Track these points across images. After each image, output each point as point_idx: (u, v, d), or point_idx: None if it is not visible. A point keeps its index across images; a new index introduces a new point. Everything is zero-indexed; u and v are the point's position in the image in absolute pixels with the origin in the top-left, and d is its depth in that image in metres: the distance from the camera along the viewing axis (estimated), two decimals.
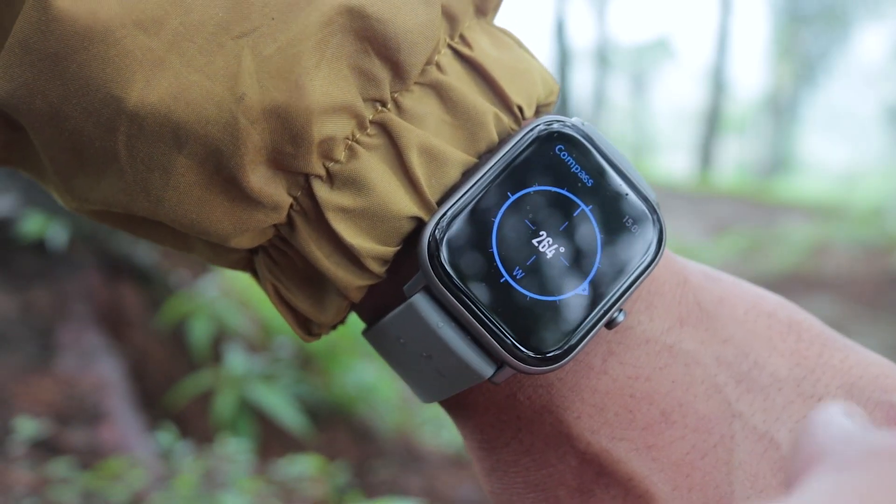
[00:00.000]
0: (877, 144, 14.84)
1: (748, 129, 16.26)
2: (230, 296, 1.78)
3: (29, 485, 1.18)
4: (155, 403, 1.58)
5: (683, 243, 4.81)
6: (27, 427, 1.25)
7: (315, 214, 0.27)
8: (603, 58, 14.78)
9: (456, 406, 0.31)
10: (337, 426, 1.75)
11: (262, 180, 0.26)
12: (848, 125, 16.87)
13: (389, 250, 0.27)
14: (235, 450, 1.38)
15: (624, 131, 16.94)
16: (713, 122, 12.49)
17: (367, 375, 1.82)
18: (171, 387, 1.59)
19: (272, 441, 1.61)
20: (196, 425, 1.58)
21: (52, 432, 1.29)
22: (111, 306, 1.66)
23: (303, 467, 1.43)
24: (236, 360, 1.61)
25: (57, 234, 1.60)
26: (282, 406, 1.57)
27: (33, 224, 1.58)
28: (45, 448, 1.26)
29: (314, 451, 1.57)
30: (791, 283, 3.93)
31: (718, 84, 12.53)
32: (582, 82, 14.91)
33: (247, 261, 0.30)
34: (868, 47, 16.17)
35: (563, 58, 11.50)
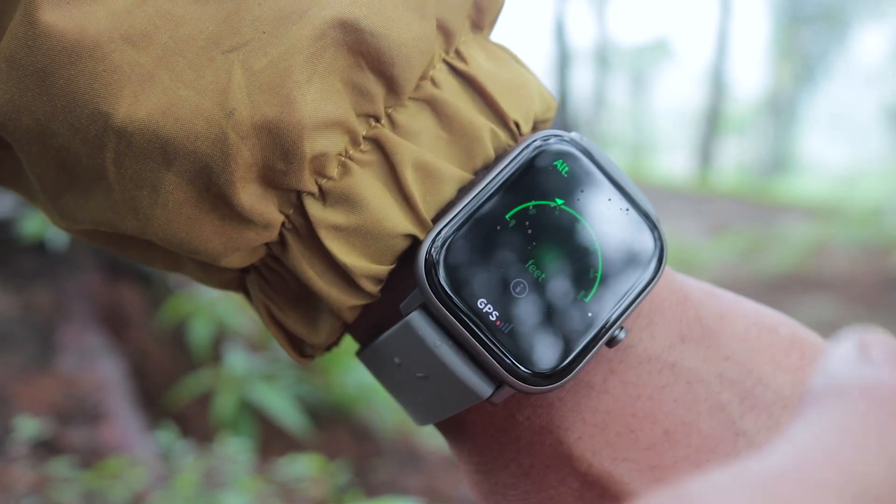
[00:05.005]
0: (876, 144, 14.82)
1: (748, 129, 16.24)
2: (230, 296, 1.78)
3: (29, 484, 1.18)
4: (155, 403, 1.58)
5: (683, 243, 4.80)
6: (28, 427, 1.25)
7: (307, 232, 0.26)
8: (603, 58, 14.77)
9: (452, 428, 0.30)
10: (337, 426, 1.75)
11: (252, 198, 0.25)
12: (848, 125, 16.84)
13: (383, 269, 0.26)
14: (235, 450, 1.37)
15: (624, 131, 16.94)
16: (713, 122, 12.49)
17: (367, 375, 1.82)
18: (171, 387, 1.59)
19: (272, 441, 1.61)
20: (196, 425, 1.58)
21: (52, 432, 1.29)
22: (111, 306, 1.66)
23: (303, 467, 1.43)
24: (236, 360, 1.61)
25: (57, 234, 1.60)
26: (282, 406, 1.56)
27: (33, 224, 1.58)
28: (46, 448, 1.26)
29: (314, 450, 1.56)
30: (790, 284, 3.93)
31: (718, 84, 12.52)
32: (582, 82, 14.90)
33: (238, 281, 0.30)
34: (868, 47, 16.15)
35: (563, 58, 11.50)
